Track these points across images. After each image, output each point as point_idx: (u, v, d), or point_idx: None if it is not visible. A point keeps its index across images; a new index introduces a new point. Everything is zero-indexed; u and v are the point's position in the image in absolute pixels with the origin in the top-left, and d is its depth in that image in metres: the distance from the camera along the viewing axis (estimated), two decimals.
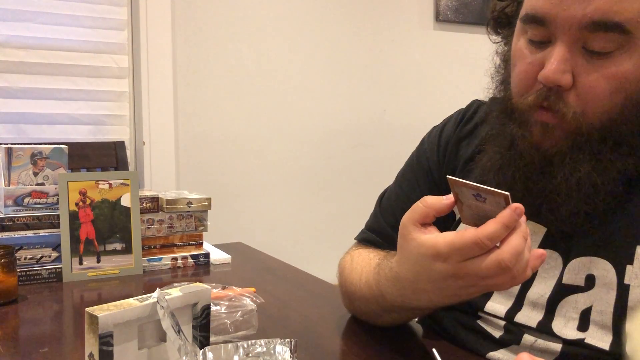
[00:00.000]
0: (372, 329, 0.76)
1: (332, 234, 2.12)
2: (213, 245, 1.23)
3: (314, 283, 1.01)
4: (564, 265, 0.67)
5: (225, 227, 1.74)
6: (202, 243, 1.14)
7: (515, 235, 0.53)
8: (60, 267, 0.99)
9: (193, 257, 1.11)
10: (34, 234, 0.99)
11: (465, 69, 2.28)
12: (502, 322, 0.70)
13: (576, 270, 0.65)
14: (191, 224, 1.12)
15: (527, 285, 0.69)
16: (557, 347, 0.65)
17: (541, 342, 0.66)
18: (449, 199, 0.57)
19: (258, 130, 2.04)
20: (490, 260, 0.53)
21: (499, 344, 0.69)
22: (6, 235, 0.97)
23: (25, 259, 0.98)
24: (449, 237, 0.54)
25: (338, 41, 2.16)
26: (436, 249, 0.54)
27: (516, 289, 0.70)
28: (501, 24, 0.74)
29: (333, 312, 0.84)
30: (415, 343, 0.74)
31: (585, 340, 0.63)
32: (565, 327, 0.65)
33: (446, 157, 0.82)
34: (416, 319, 0.80)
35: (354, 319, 0.80)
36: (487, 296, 0.72)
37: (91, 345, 0.51)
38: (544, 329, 0.66)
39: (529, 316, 0.68)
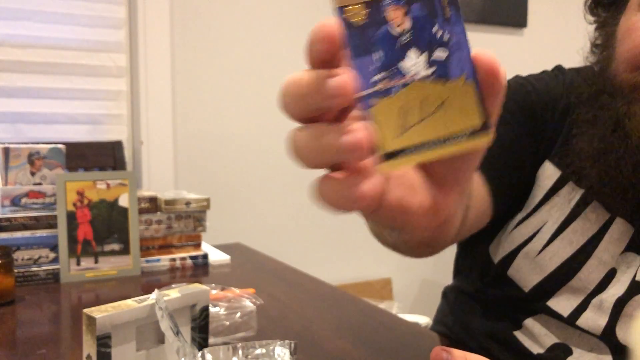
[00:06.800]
0: (374, 331, 0.76)
1: (332, 234, 2.12)
2: (212, 245, 1.22)
3: (314, 284, 1.00)
4: None
5: (225, 227, 1.74)
6: (200, 244, 1.13)
7: None
8: (58, 268, 0.99)
9: (192, 257, 1.10)
10: (32, 234, 0.98)
11: None
12: (550, 339, 0.65)
13: None
14: (190, 224, 1.11)
15: (601, 288, 0.63)
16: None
17: None
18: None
19: (257, 130, 2.03)
20: None
21: None
22: (3, 235, 0.96)
23: (22, 259, 0.97)
24: None
25: None
26: None
27: (587, 289, 0.64)
28: (601, 3, 0.69)
29: (333, 314, 0.83)
30: (417, 346, 0.74)
31: None
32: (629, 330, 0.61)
33: (555, 115, 0.68)
34: (431, 326, 0.76)
35: (354, 319, 0.80)
36: (551, 293, 0.66)
37: (89, 347, 0.50)
38: (607, 337, 0.62)
39: (593, 319, 0.63)
